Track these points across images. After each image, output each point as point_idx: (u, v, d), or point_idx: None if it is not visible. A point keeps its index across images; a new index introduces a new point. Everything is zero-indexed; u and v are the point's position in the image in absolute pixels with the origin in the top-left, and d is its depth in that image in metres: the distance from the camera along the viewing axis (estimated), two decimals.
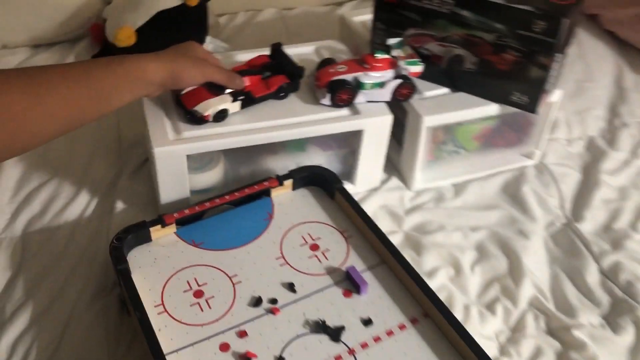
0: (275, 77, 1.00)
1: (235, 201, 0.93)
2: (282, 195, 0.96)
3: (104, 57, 0.84)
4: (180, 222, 0.91)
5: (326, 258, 0.88)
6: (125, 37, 1.22)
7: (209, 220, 0.92)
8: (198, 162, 0.99)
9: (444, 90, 1.06)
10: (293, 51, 1.07)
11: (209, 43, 1.34)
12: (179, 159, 0.93)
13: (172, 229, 0.90)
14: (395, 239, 0.99)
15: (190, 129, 0.94)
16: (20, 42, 1.40)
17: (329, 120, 0.97)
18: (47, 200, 1.04)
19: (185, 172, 0.95)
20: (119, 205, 1.03)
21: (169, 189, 0.96)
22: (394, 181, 1.10)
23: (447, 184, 1.10)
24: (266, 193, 0.96)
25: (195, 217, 0.92)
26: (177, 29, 1.27)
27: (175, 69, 0.88)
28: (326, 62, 1.02)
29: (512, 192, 1.09)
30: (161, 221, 0.88)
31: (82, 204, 1.03)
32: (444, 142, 1.08)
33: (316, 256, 0.88)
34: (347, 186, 1.06)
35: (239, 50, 1.16)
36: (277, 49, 1.04)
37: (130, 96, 0.84)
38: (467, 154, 1.11)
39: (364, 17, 1.25)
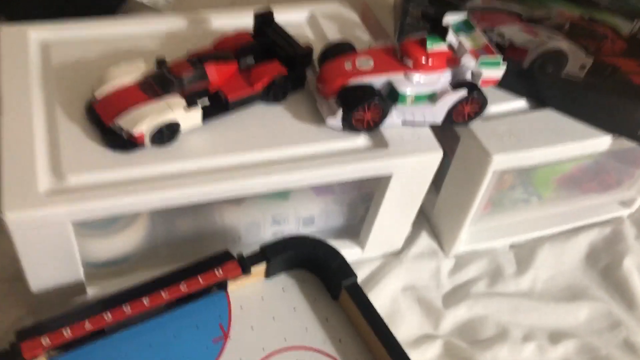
0: (263, 65, 0.57)
1: (159, 309, 0.51)
2: (248, 290, 0.55)
3: None
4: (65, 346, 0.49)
5: None
6: None
7: (115, 338, 0.51)
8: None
9: (520, 103, 0.65)
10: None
11: None
12: (56, 229, 0.50)
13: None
14: (431, 353, 0.60)
15: (85, 169, 0.51)
16: None
17: (337, 155, 0.55)
18: None
19: (72, 244, 0.52)
20: None
21: (43, 272, 0.54)
22: (424, 240, 0.69)
23: (504, 245, 0.71)
24: (220, 285, 0.54)
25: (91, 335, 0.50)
26: None
27: None
28: (336, 50, 0.59)
29: (605, 266, 0.70)
30: (16, 355, 0.46)
31: None
32: (512, 187, 0.68)
33: None
34: (352, 250, 0.66)
35: (194, 8, 0.71)
36: (265, 19, 0.60)
37: None
38: (540, 202, 0.71)
39: None
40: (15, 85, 0.56)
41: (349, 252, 0.66)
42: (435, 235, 0.70)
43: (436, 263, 0.68)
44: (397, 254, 0.68)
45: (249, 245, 0.63)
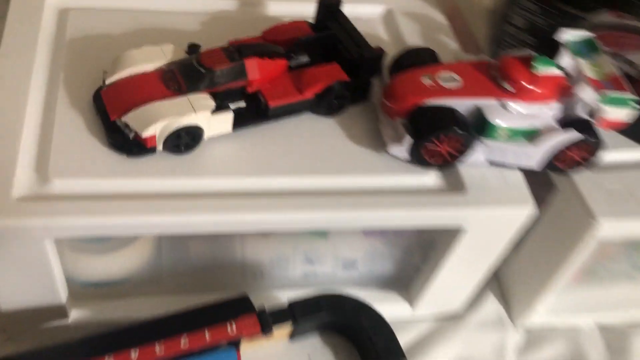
0: (320, 67, 0.46)
1: None
2: (265, 352, 0.43)
3: None
4: None
5: None
6: None
7: None
8: None
9: (637, 154, 0.50)
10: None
11: None
12: (31, 244, 0.39)
13: None
14: None
15: (76, 173, 0.40)
16: None
17: (397, 195, 0.43)
18: None
19: (50, 263, 0.41)
20: None
21: (15, 290, 0.43)
22: (490, 304, 0.56)
23: (591, 324, 0.57)
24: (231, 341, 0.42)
25: None
26: None
27: None
28: (414, 58, 0.46)
29: None
30: None
31: None
32: (613, 259, 0.53)
33: None
34: (399, 306, 0.53)
35: None
36: (331, 8, 0.48)
37: None
38: None
39: None
40: (17, 58, 0.46)
41: (396, 307, 0.53)
42: (505, 300, 0.57)
43: (502, 335, 0.55)
44: (455, 318, 0.55)
45: (273, 281, 0.52)
